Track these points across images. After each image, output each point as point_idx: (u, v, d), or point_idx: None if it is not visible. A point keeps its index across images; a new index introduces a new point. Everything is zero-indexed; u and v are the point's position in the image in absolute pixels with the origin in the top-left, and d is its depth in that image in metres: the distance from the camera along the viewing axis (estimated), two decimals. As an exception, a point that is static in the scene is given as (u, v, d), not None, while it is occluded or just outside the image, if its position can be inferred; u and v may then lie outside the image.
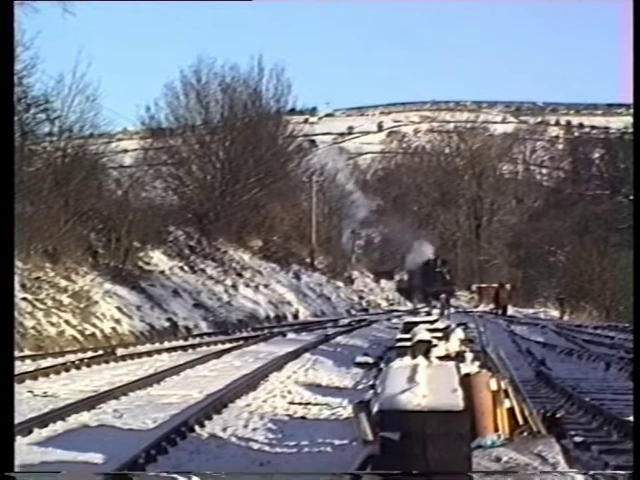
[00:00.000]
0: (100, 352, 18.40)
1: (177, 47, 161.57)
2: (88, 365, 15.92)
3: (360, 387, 12.82)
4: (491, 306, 47.92)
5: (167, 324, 26.34)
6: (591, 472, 6.43)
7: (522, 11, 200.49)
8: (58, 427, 9.35)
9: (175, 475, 4.56)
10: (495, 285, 50.00)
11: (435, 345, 9.79)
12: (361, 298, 52.50)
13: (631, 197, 43.28)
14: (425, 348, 9.49)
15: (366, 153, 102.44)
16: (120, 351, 18.94)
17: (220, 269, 36.56)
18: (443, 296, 42.58)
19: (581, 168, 62.86)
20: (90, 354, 18.06)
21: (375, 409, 5.73)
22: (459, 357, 8.95)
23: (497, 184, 72.02)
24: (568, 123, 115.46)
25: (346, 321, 32.96)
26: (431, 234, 65.01)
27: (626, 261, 36.58)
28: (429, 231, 65.37)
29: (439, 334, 10.94)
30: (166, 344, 21.56)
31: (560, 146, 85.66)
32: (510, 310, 46.26)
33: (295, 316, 37.77)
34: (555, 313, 48.99)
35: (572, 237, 55.82)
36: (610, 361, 15.60)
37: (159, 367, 15.50)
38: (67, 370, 15.06)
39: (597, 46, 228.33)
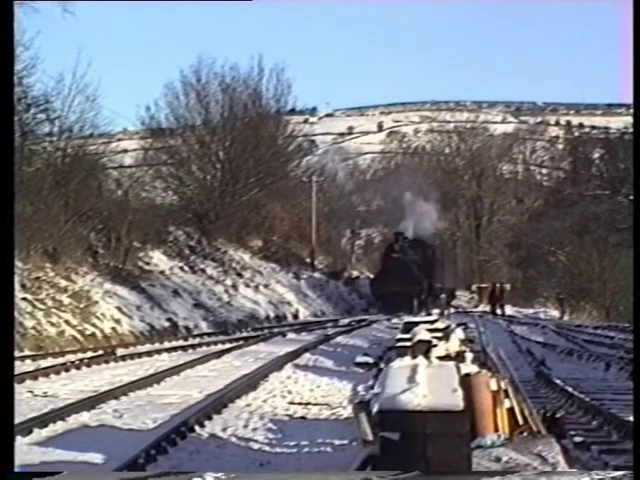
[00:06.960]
0: (100, 352, 18.40)
1: (177, 47, 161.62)
2: (88, 365, 15.92)
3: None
4: (487, 307, 47.16)
5: (167, 324, 26.34)
6: (591, 472, 6.44)
7: (522, 11, 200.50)
8: (58, 427, 9.35)
9: (175, 475, 4.56)
10: (497, 285, 49.04)
11: (435, 345, 9.80)
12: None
13: (631, 197, 43.26)
14: (425, 348, 9.49)
15: (366, 153, 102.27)
16: (120, 351, 18.94)
17: (220, 269, 36.55)
18: (444, 296, 40.41)
19: (581, 168, 62.77)
20: (90, 354, 18.07)
21: (375, 409, 5.73)
22: (459, 357, 8.96)
23: (497, 184, 71.83)
24: (568, 123, 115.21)
25: (346, 321, 32.92)
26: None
27: (626, 261, 36.58)
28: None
29: (439, 334, 10.95)
30: (166, 344, 21.56)
31: (560, 146, 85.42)
32: (510, 310, 46.15)
33: (295, 316, 37.74)
34: (555, 313, 48.88)
35: (572, 237, 55.72)
36: (610, 361, 15.60)
37: (159, 367, 15.50)
38: (67, 370, 15.06)
39: (597, 46, 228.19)
